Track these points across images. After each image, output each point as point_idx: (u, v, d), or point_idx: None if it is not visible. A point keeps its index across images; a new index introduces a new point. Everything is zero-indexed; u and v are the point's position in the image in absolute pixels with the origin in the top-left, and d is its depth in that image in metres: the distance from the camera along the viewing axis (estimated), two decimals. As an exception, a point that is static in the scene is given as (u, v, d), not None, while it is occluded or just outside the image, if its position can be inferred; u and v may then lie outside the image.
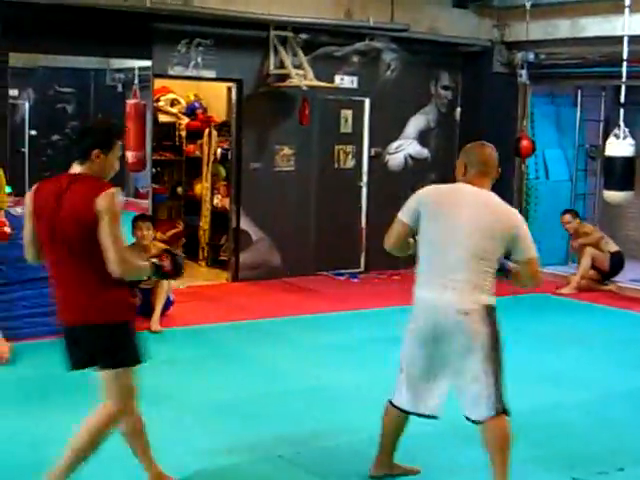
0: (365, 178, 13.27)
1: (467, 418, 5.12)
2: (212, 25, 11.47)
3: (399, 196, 13.10)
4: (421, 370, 5.18)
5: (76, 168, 4.81)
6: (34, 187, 4.89)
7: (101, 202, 4.58)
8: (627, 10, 11.23)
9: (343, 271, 13.00)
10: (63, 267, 4.78)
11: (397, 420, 5.43)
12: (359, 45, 12.83)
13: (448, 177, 13.59)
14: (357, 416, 6.91)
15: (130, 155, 11.88)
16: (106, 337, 4.82)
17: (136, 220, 9.84)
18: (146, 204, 12.04)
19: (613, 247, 12.39)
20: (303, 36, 12.13)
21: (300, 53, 11.99)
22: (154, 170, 12.40)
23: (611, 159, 11.51)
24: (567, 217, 12.53)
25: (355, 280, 12.80)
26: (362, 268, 13.28)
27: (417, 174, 13.63)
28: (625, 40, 11.29)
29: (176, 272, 5.14)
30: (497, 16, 13.39)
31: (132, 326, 4.90)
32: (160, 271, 5.04)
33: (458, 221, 5.02)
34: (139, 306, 9.70)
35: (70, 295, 4.81)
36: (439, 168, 13.77)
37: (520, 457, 5.37)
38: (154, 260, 5.03)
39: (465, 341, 4.98)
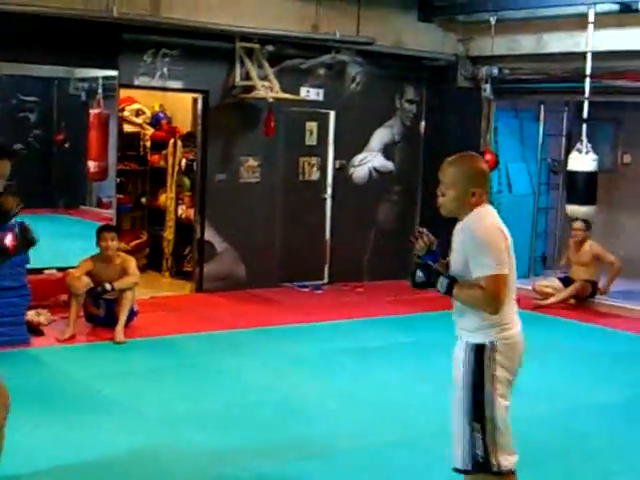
0: (330, 190, 13.30)
1: None
2: (178, 36, 11.45)
3: (363, 208, 13.42)
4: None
5: None
6: None
7: None
8: (590, 26, 11.34)
9: (307, 283, 13.01)
10: None
11: None
12: (325, 58, 12.87)
13: (412, 190, 13.79)
14: (321, 427, 6.94)
15: (92, 165, 11.87)
16: None
17: (101, 230, 9.81)
18: (109, 214, 12.00)
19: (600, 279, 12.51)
20: (269, 48, 12.12)
21: (266, 65, 12.00)
22: (118, 180, 12.36)
23: (574, 173, 11.61)
24: (579, 224, 12.23)
25: (318, 292, 12.81)
26: (326, 280, 13.30)
27: (381, 187, 13.73)
28: (588, 56, 11.42)
29: (23, 242, 4.75)
30: (462, 31, 13.48)
31: None
32: (5, 255, 4.73)
33: (511, 251, 4.60)
34: (103, 317, 9.71)
35: None
36: (403, 181, 13.87)
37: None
38: None
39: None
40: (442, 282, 4.54)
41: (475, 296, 4.44)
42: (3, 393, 4.90)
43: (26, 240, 4.75)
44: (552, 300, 12.17)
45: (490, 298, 4.39)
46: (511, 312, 4.56)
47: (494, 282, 4.39)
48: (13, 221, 4.82)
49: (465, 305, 4.54)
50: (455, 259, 4.58)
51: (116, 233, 10.00)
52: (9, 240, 4.67)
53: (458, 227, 4.60)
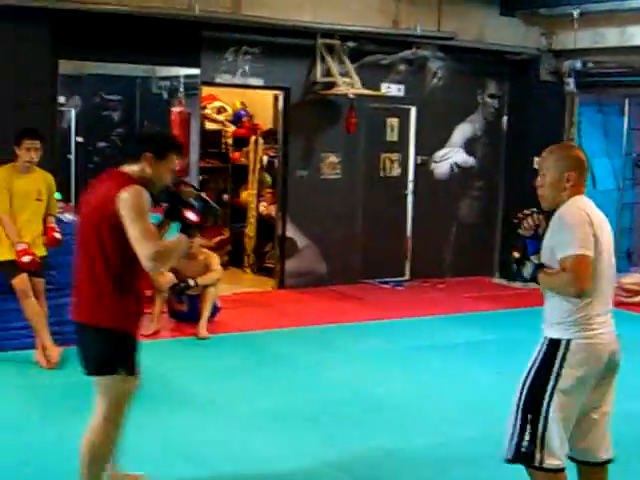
0: (411, 186, 13.25)
1: (596, 463, 4.66)
2: (259, 33, 11.51)
3: (445, 204, 13.34)
4: (576, 412, 4.50)
5: (123, 167, 4.78)
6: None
7: (123, 200, 4.51)
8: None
9: (388, 279, 12.97)
10: (77, 259, 4.79)
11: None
12: (406, 53, 12.82)
13: (494, 185, 13.65)
14: (405, 424, 6.92)
15: (175, 162, 11.94)
16: (89, 340, 4.79)
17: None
18: (192, 211, 12.07)
19: None
20: (350, 44, 12.13)
21: (347, 61, 12.00)
22: (200, 177, 12.45)
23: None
24: None
25: (400, 288, 12.77)
26: (407, 276, 13.25)
27: (463, 182, 13.63)
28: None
29: (206, 214, 4.83)
30: (545, 24, 13.31)
31: (121, 335, 4.78)
32: (191, 227, 4.77)
33: (607, 247, 4.51)
34: (186, 312, 9.80)
35: (76, 290, 4.82)
36: (485, 177, 13.73)
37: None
38: (185, 217, 4.76)
39: (616, 369, 4.61)
40: (528, 267, 4.54)
41: (557, 278, 4.38)
42: (120, 411, 4.89)
43: (209, 208, 4.86)
44: (638, 299, 11.96)
45: (572, 278, 4.29)
46: (597, 311, 4.43)
47: (577, 262, 4.28)
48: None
49: (550, 290, 4.48)
50: (544, 247, 4.50)
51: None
52: (193, 215, 4.76)
53: (552, 217, 4.52)
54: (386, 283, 12.89)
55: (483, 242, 13.66)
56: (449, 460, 6.18)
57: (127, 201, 4.50)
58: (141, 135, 4.97)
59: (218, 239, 13.34)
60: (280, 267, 12.35)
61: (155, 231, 4.62)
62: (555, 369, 4.40)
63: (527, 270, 4.54)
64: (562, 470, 4.47)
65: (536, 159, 12.59)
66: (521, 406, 4.49)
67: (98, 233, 4.58)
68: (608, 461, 4.68)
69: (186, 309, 9.85)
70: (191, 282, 9.67)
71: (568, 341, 4.40)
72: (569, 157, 4.60)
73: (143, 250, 4.48)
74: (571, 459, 4.63)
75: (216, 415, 7.01)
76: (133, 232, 4.49)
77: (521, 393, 4.51)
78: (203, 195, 4.95)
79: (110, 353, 4.77)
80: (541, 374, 4.45)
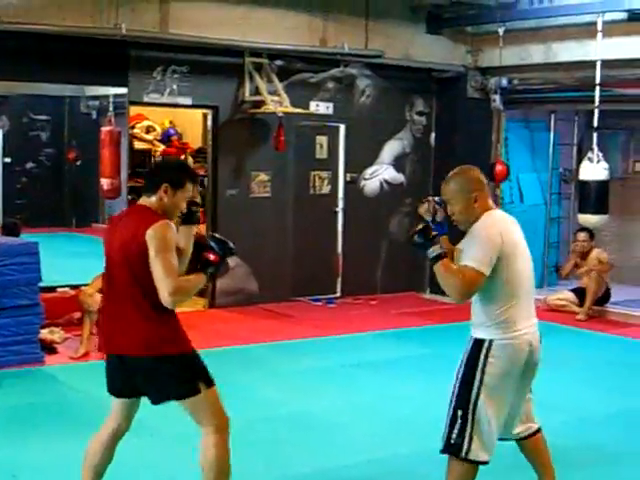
0: (341, 204, 13.29)
1: (521, 437, 5.21)
2: (187, 52, 11.48)
3: (375, 221, 13.40)
4: (506, 407, 4.92)
5: (143, 200, 4.89)
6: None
7: (150, 234, 4.60)
8: (599, 35, 11.30)
9: (320, 297, 12.99)
10: (115, 295, 4.82)
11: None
12: (334, 71, 12.89)
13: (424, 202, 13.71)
14: (340, 442, 6.91)
15: (105, 182, 11.88)
16: (161, 371, 4.91)
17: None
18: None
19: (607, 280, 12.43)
20: (278, 63, 12.17)
21: (275, 80, 12.02)
22: (130, 197, 12.38)
23: (585, 183, 11.55)
24: (583, 235, 12.38)
25: (331, 305, 12.79)
26: (339, 293, 13.28)
27: (393, 199, 13.71)
28: (598, 65, 11.36)
29: (223, 254, 4.90)
30: (471, 42, 13.48)
31: (188, 355, 4.94)
32: (210, 266, 4.86)
33: (524, 256, 4.95)
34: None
35: (125, 325, 4.82)
36: (414, 193, 13.78)
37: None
38: (204, 257, 4.87)
39: (536, 369, 5.04)
40: (434, 250, 4.80)
41: (448, 277, 4.73)
42: (224, 416, 5.07)
43: (227, 249, 4.93)
44: (587, 306, 12.10)
45: (459, 286, 4.68)
46: (519, 316, 4.82)
47: (468, 273, 4.67)
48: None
49: (439, 282, 4.80)
50: (459, 248, 4.89)
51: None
52: (212, 255, 4.86)
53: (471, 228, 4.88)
54: (318, 301, 12.90)
55: (413, 258, 13.71)
56: (385, 477, 6.18)
57: (155, 235, 4.61)
58: (157, 166, 5.08)
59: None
60: (211, 286, 12.29)
61: (176, 267, 4.67)
62: (479, 367, 4.80)
63: (435, 250, 4.79)
64: (484, 463, 4.84)
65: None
66: (453, 401, 4.86)
67: (134, 271, 4.67)
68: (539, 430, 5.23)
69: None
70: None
71: (490, 341, 4.79)
72: (469, 180, 4.94)
73: (163, 285, 4.58)
74: (515, 440, 5.21)
75: (149, 437, 6.94)
76: (155, 267, 4.60)
77: (453, 389, 4.88)
78: (218, 236, 5.05)
79: (189, 376, 4.93)
80: (468, 372, 4.83)
